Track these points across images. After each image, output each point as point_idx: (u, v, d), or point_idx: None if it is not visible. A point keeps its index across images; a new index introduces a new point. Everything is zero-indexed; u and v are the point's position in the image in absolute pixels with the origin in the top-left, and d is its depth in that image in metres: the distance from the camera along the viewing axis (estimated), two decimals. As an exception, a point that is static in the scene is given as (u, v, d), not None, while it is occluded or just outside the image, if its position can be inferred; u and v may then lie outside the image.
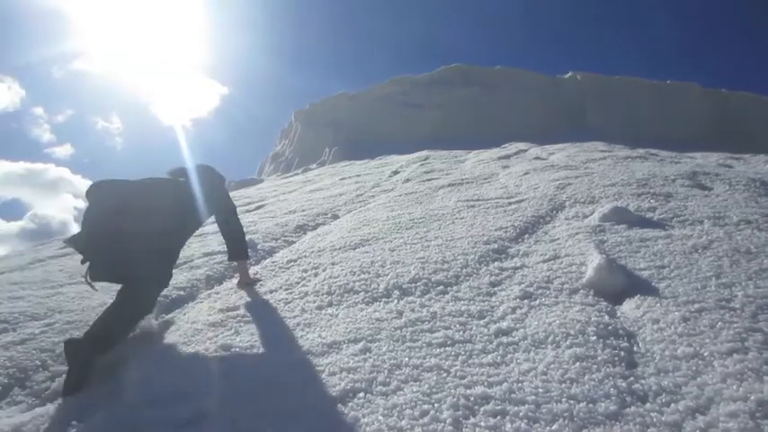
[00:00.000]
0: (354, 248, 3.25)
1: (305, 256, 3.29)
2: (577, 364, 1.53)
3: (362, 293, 2.38)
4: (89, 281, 2.17)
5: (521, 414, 1.32)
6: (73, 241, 2.18)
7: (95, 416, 1.58)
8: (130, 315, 2.13)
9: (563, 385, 1.43)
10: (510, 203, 4.03)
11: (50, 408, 1.72)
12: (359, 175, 9.33)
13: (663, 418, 1.26)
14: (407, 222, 3.78)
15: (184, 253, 3.06)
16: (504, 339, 1.76)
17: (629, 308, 1.93)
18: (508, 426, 1.29)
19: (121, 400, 1.65)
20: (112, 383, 1.81)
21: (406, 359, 1.68)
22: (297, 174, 18.81)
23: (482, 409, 1.37)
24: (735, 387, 1.32)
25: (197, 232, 2.75)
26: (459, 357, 1.66)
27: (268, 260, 3.44)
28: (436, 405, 1.40)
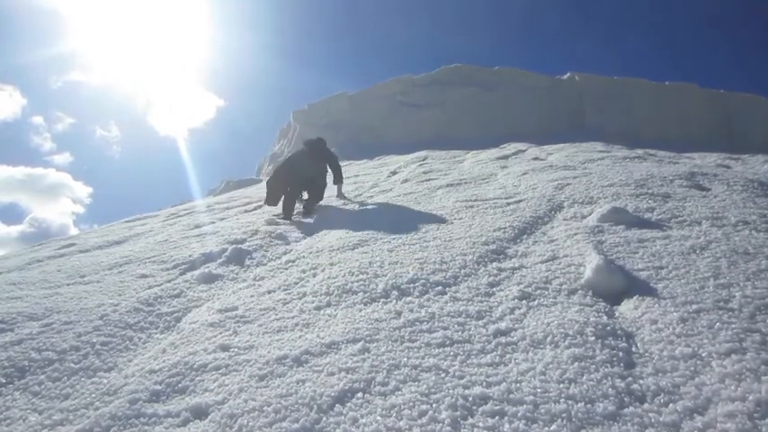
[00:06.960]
0: (353, 249, 3.25)
1: (303, 257, 3.29)
2: (576, 364, 1.54)
3: (361, 294, 2.38)
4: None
5: (519, 414, 1.32)
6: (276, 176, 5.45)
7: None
8: (316, 201, 5.41)
9: (561, 385, 1.43)
10: (508, 204, 4.03)
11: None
12: (357, 176, 9.31)
13: (661, 419, 1.26)
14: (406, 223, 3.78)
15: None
16: (503, 340, 1.76)
17: (627, 308, 1.93)
18: (506, 426, 1.29)
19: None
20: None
21: (405, 359, 1.68)
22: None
23: (480, 409, 1.37)
24: (733, 387, 1.32)
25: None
26: (458, 357, 1.66)
27: (267, 261, 3.44)
28: (434, 405, 1.40)
